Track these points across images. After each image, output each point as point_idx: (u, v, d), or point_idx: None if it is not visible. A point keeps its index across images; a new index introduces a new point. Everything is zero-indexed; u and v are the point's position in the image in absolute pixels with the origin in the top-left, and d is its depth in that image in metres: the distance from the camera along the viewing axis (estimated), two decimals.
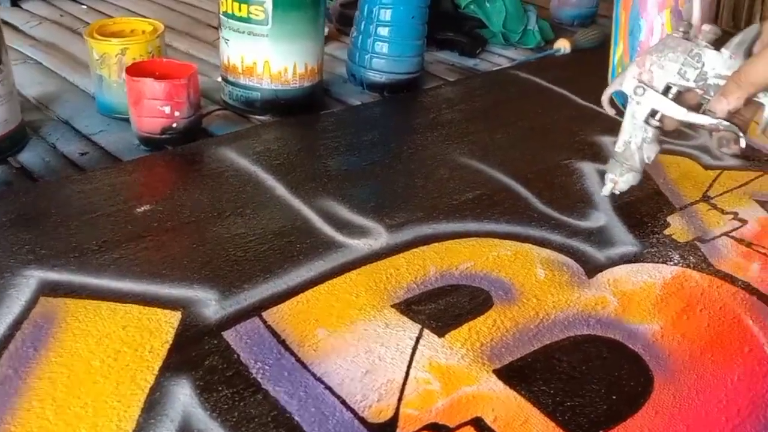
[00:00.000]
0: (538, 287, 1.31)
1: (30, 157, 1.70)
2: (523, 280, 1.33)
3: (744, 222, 1.59)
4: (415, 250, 1.39)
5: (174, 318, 1.17)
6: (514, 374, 1.11)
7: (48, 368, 1.06)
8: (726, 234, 1.54)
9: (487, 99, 2.14)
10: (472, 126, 1.95)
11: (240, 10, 1.81)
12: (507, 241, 1.45)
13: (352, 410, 1.02)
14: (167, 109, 1.68)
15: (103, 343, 1.12)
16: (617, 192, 1.29)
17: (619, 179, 1.27)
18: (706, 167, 1.82)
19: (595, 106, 2.13)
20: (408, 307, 1.24)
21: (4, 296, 1.19)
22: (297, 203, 1.52)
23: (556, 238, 1.47)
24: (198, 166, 1.68)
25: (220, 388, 1.05)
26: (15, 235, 1.37)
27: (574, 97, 2.17)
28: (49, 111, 1.94)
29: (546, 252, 1.42)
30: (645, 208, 1.61)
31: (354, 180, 1.65)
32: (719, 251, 1.47)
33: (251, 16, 1.80)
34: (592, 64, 2.53)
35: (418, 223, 1.48)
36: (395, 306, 1.24)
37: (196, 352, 1.11)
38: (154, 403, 1.01)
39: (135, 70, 1.72)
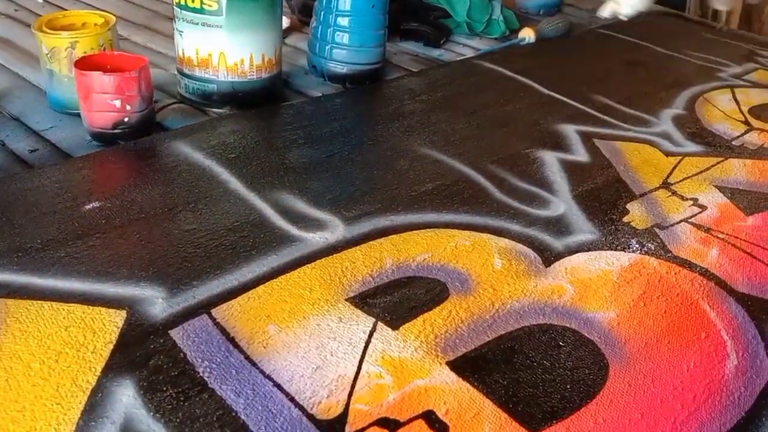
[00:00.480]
0: (495, 277, 1.30)
1: None
2: (480, 270, 1.31)
3: (703, 208, 1.59)
4: (372, 242, 1.37)
5: (119, 317, 1.14)
6: (467, 366, 1.09)
7: None
8: (685, 220, 1.54)
9: (450, 89, 2.12)
10: (434, 116, 1.93)
11: (193, 0, 1.77)
12: (466, 231, 1.43)
13: (301, 407, 1.00)
14: (118, 103, 1.63)
15: (44, 344, 1.08)
16: (621, 16, 1.14)
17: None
18: (667, 154, 1.83)
19: (557, 95, 2.13)
20: (363, 301, 1.22)
21: None
22: (252, 197, 1.49)
23: (515, 227, 1.45)
24: (150, 161, 1.63)
25: (164, 388, 1.01)
26: None
27: (537, 86, 2.16)
28: None
29: (504, 241, 1.41)
30: (604, 196, 1.60)
31: (312, 172, 1.62)
32: (678, 237, 1.47)
33: (205, 6, 1.76)
34: (556, 54, 2.53)
35: (375, 215, 1.46)
36: (350, 300, 1.22)
37: (140, 352, 1.07)
38: (95, 405, 0.98)
39: (84, 64, 1.67)
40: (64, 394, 0.99)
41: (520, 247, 1.39)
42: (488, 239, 1.41)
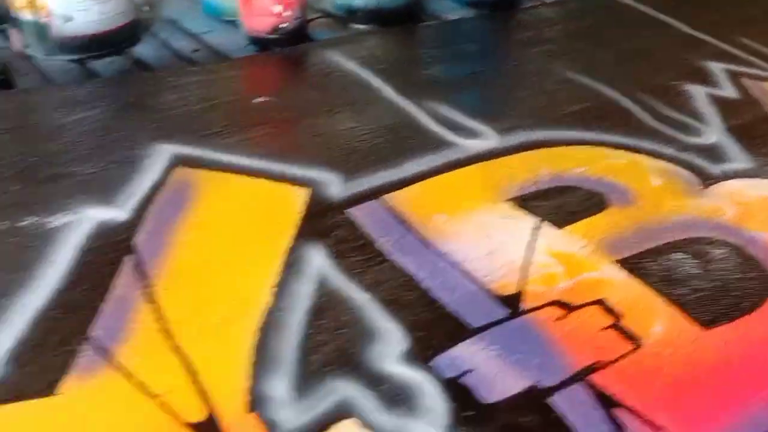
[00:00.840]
0: (654, 193, 1.31)
1: (145, 50, 1.75)
2: (638, 185, 1.32)
3: None
4: (526, 153, 1.40)
5: (302, 194, 1.22)
6: (633, 266, 1.12)
7: (191, 227, 1.13)
8: None
9: (587, 20, 2.08)
10: (574, 44, 1.91)
11: None
12: (619, 150, 1.44)
13: (478, 284, 1.06)
14: (278, 8, 1.70)
15: (238, 210, 1.18)
16: None
17: None
18: None
19: (701, 35, 2.06)
20: (524, 203, 1.26)
21: (141, 164, 1.26)
22: (405, 103, 1.54)
23: (668, 151, 1.45)
24: (306, 66, 1.71)
25: (351, 255, 1.10)
26: (141, 114, 1.44)
27: (678, 24, 2.09)
28: (155, 12, 1.98)
29: (659, 163, 1.41)
30: (757, 131, 1.56)
31: (459, 87, 1.65)
32: None
33: None
34: None
35: (527, 128, 1.48)
36: (510, 201, 1.26)
37: (325, 224, 1.16)
38: (292, 263, 1.07)
39: None
40: (264, 250, 1.09)
41: (676, 168, 1.39)
42: (642, 159, 1.42)
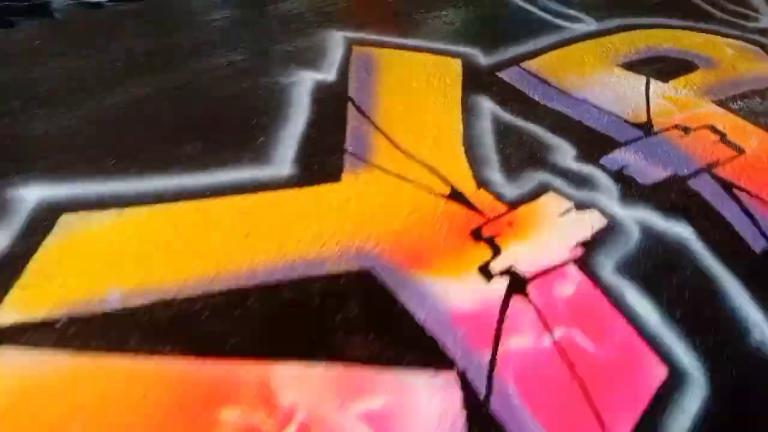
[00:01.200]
0: (731, 60, 1.63)
1: None
2: (717, 55, 1.65)
3: None
4: (623, 33, 1.71)
5: (456, 62, 1.53)
6: (726, 105, 1.45)
7: (385, 84, 1.42)
8: None
9: None
10: None
11: None
12: (695, 32, 1.76)
13: (616, 116, 1.38)
14: None
15: (413, 74, 1.48)
16: None
17: None
18: None
19: None
20: (630, 67, 1.58)
21: (324, 45, 1.55)
22: None
23: (735, 32, 1.77)
24: None
25: (511, 103, 1.41)
26: (301, 11, 1.73)
27: None
28: None
29: (729, 40, 1.73)
30: None
31: None
32: None
33: None
34: None
35: (619, 16, 1.79)
36: (619, 66, 1.58)
37: (483, 82, 1.47)
38: (469, 108, 1.38)
39: None
40: (443, 100, 1.40)
41: (745, 44, 1.72)
42: (716, 38, 1.74)
